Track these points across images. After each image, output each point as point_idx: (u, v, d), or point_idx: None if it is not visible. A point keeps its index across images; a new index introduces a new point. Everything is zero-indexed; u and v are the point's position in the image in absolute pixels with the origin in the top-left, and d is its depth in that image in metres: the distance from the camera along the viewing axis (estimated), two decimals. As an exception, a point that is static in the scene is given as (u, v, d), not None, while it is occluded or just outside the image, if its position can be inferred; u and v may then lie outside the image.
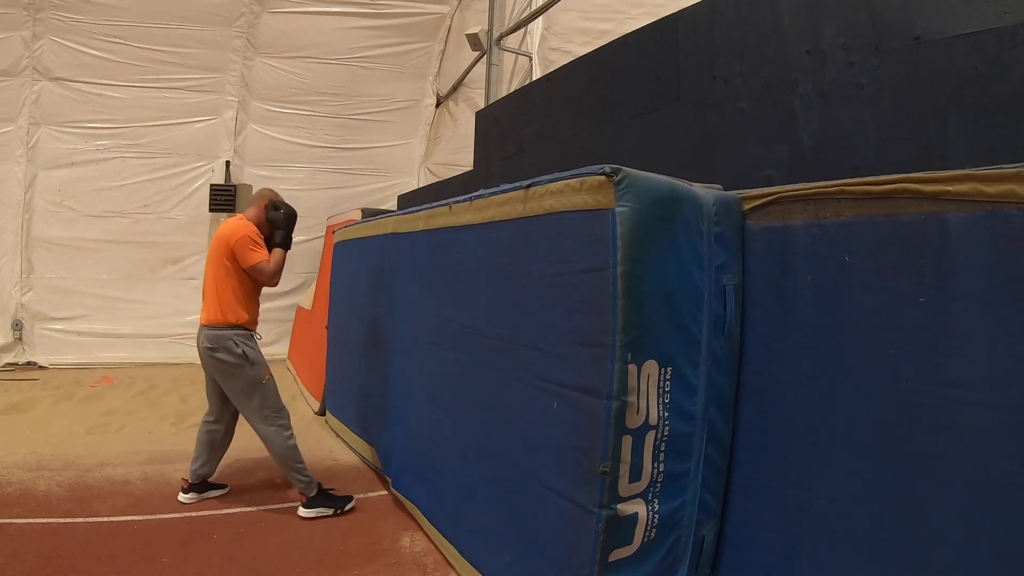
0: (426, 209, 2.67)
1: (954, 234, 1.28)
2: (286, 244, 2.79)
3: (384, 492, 3.08)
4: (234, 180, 6.57)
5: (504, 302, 2.00)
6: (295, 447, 2.72)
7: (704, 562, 1.76)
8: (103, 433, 3.89)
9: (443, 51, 7.04)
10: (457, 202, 2.34)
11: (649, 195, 1.55)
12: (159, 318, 6.29)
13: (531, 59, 5.48)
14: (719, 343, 1.72)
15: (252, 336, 2.70)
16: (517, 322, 1.91)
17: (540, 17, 5.13)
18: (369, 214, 4.45)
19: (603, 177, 1.51)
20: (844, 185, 1.52)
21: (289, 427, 2.73)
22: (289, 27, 6.37)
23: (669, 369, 1.58)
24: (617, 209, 1.50)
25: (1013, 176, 1.19)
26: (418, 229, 2.74)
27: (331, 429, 4.17)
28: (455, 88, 6.83)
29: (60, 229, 6.07)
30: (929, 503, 1.30)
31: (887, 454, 1.38)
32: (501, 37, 5.45)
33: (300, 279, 7.00)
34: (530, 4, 5.20)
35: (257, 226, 2.70)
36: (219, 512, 2.72)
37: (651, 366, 1.54)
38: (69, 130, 6.02)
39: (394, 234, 3.10)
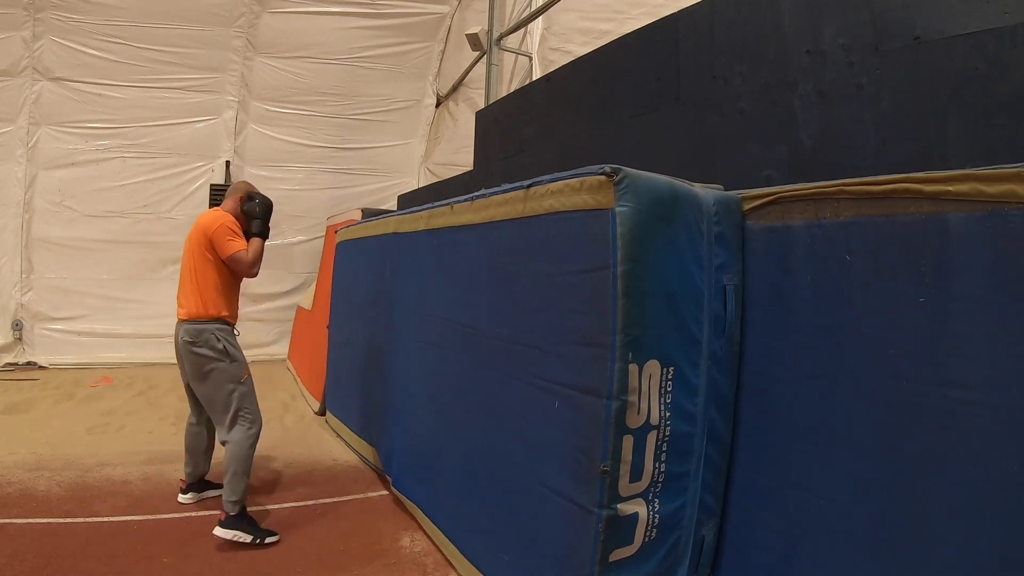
0: (427, 209, 2.67)
1: (954, 234, 1.29)
2: (263, 233, 2.71)
3: (384, 492, 3.08)
4: (234, 180, 6.57)
5: (504, 302, 2.00)
6: (251, 458, 2.53)
7: (704, 562, 1.76)
8: (103, 433, 3.89)
9: (443, 51, 7.04)
10: (458, 202, 2.35)
11: (649, 195, 1.55)
12: (159, 318, 6.26)
13: (531, 59, 5.48)
14: (719, 343, 1.72)
15: (233, 331, 2.63)
16: (517, 322, 1.91)
17: (540, 17, 5.13)
18: (369, 214, 4.45)
19: (603, 177, 1.51)
20: (844, 185, 1.52)
21: (257, 437, 2.57)
22: (289, 27, 6.37)
23: (671, 369, 1.59)
24: (617, 209, 1.50)
25: (1013, 176, 1.19)
26: (419, 229, 2.74)
27: (331, 429, 4.17)
28: (455, 88, 6.83)
29: (60, 229, 6.06)
30: (929, 503, 1.30)
31: (887, 454, 1.38)
32: (501, 37, 5.45)
33: (300, 279, 7.01)
34: (530, 4, 5.21)
35: (235, 218, 2.64)
36: (219, 512, 2.72)
37: (653, 366, 1.54)
38: (69, 130, 6.02)
39: (395, 234, 3.10)
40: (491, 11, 5.51)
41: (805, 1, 1.93)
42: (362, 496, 3.00)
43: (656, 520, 1.60)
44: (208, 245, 2.52)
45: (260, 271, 2.65)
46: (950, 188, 1.29)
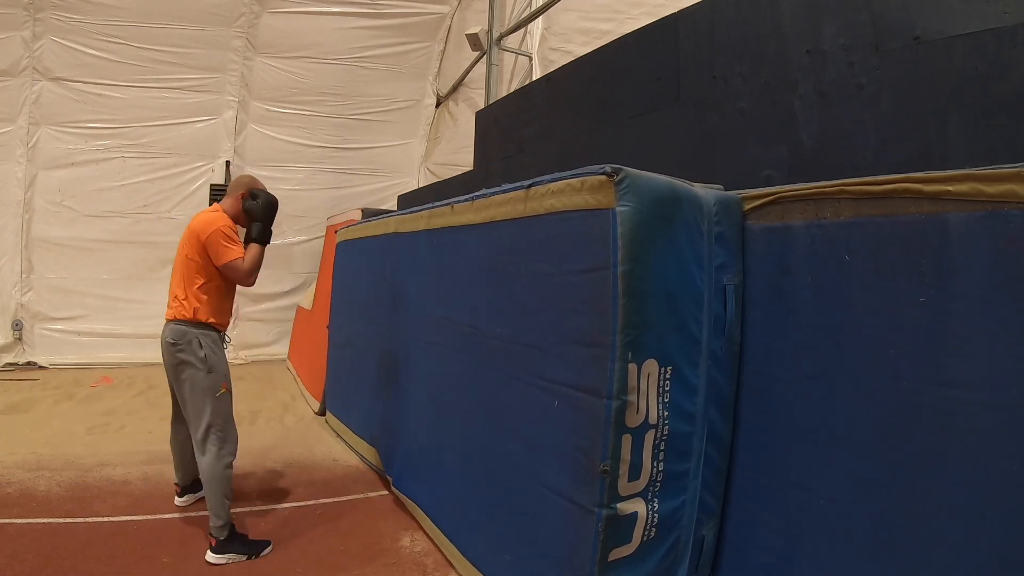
0: (427, 209, 2.67)
1: (954, 234, 1.29)
2: (263, 238, 2.51)
3: (384, 492, 3.08)
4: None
5: (505, 301, 2.00)
6: (230, 478, 2.39)
7: (704, 562, 1.76)
8: (103, 433, 3.88)
9: (443, 51, 7.04)
10: (459, 202, 2.35)
11: (650, 195, 1.55)
12: (159, 318, 6.18)
13: (531, 59, 5.48)
14: (719, 343, 1.72)
15: (220, 339, 2.48)
16: (518, 321, 1.91)
17: (540, 17, 5.13)
18: (369, 214, 4.45)
19: (604, 177, 1.51)
20: (844, 185, 1.52)
21: (232, 454, 2.42)
22: (289, 27, 6.37)
23: (669, 369, 1.59)
24: (618, 209, 1.50)
25: (1013, 176, 1.19)
26: (419, 229, 2.74)
27: (331, 429, 4.17)
28: (455, 88, 6.83)
29: (60, 229, 6.06)
30: (929, 503, 1.30)
31: (887, 454, 1.39)
32: (501, 37, 5.45)
33: (300, 279, 7.01)
34: (530, 4, 5.21)
35: (234, 217, 2.48)
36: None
37: (651, 365, 1.54)
38: (69, 130, 6.02)
39: (395, 234, 3.10)
40: (491, 11, 5.51)
41: (805, 1, 1.93)
42: (362, 496, 3.00)
43: (655, 519, 1.60)
44: (200, 249, 2.37)
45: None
46: (950, 188, 1.29)
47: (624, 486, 1.53)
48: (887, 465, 1.38)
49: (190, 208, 6.39)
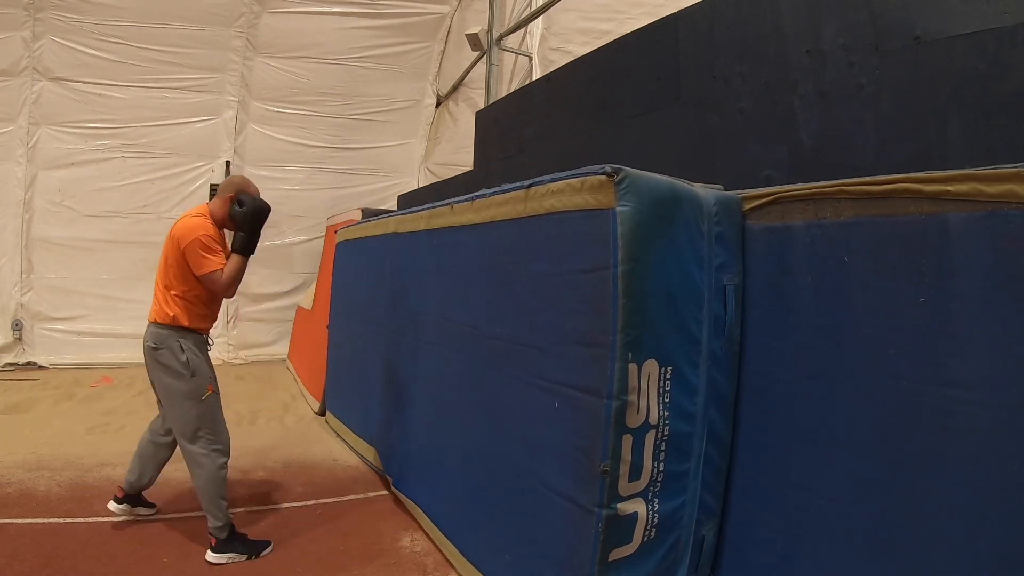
0: (427, 209, 2.67)
1: (954, 234, 1.29)
2: (247, 249, 2.37)
3: (384, 492, 3.08)
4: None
5: (505, 301, 2.00)
6: (224, 479, 2.34)
7: (704, 562, 1.76)
8: (103, 433, 3.88)
9: (443, 51, 7.04)
10: (459, 202, 2.35)
11: (650, 195, 1.55)
12: (159, 318, 6.29)
13: (531, 59, 5.48)
14: (719, 343, 1.72)
15: (203, 342, 2.40)
16: (518, 322, 1.91)
17: (540, 17, 5.13)
18: (369, 214, 4.45)
19: (604, 177, 1.51)
20: (844, 185, 1.52)
21: (225, 454, 2.37)
22: (289, 27, 6.37)
23: (669, 369, 1.59)
24: (618, 209, 1.50)
25: (1013, 176, 1.19)
26: (419, 229, 2.74)
27: (331, 429, 4.17)
28: (455, 88, 6.83)
29: (60, 229, 6.07)
30: (929, 503, 1.30)
31: (887, 454, 1.39)
32: (501, 37, 5.45)
33: (300, 279, 7.01)
34: (530, 4, 5.21)
35: (221, 220, 2.38)
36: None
37: (651, 365, 1.54)
38: (69, 130, 6.02)
39: (395, 234, 3.10)
40: (491, 11, 5.51)
41: (805, 1, 1.94)
42: (362, 496, 3.00)
43: (655, 519, 1.60)
44: (180, 256, 2.28)
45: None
46: (950, 188, 1.29)
47: (624, 486, 1.53)
48: (887, 465, 1.38)
49: (190, 208, 6.40)
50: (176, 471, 3.05)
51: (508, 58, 5.70)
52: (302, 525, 2.65)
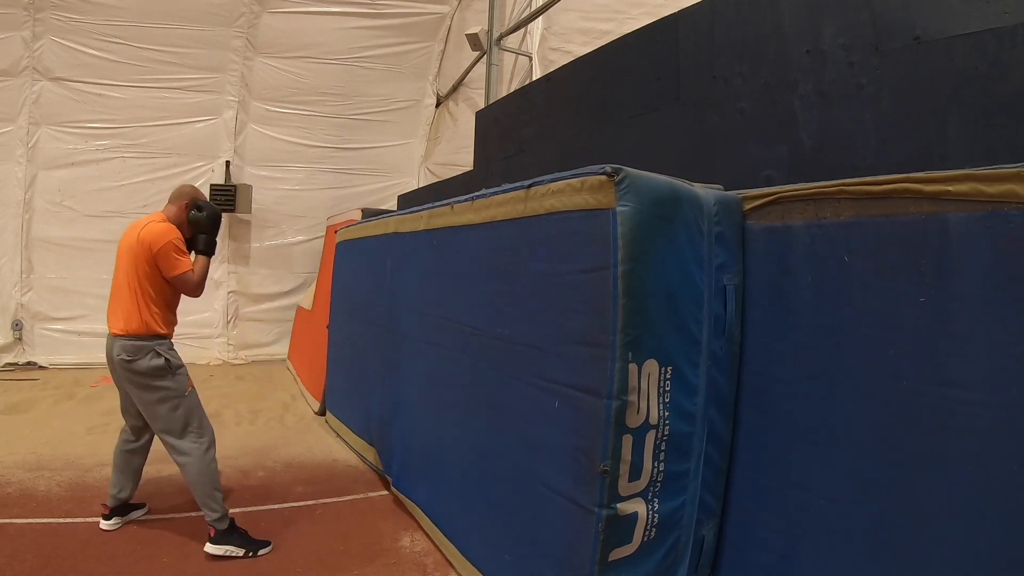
0: (427, 209, 2.67)
1: (954, 234, 1.29)
2: (209, 250, 2.53)
3: (384, 492, 3.08)
4: (234, 180, 6.57)
5: (505, 301, 2.00)
6: (216, 470, 2.40)
7: (704, 562, 1.76)
8: (103, 433, 3.88)
9: (443, 51, 7.04)
10: (459, 202, 2.35)
11: (650, 195, 1.55)
12: (159, 318, 6.28)
13: (531, 59, 5.48)
14: (719, 343, 1.72)
15: (172, 345, 2.45)
16: (518, 322, 1.91)
17: (540, 17, 5.13)
18: (369, 214, 4.45)
19: (604, 177, 1.51)
20: (844, 185, 1.52)
21: (212, 444, 2.42)
22: (289, 27, 6.37)
23: (669, 369, 1.59)
24: (618, 209, 1.50)
25: (1013, 176, 1.19)
26: (419, 229, 2.74)
27: (331, 429, 4.17)
28: (455, 88, 6.83)
29: (60, 229, 6.06)
30: (929, 503, 1.30)
31: (887, 454, 1.39)
32: (501, 37, 5.45)
33: (300, 279, 7.01)
34: (530, 4, 5.21)
35: (178, 226, 2.45)
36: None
37: (651, 365, 1.54)
38: (69, 130, 6.02)
39: (395, 234, 3.10)
40: (491, 11, 5.51)
41: (805, 1, 1.94)
42: (362, 496, 3.00)
43: (655, 519, 1.60)
44: (151, 261, 2.32)
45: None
46: (950, 188, 1.29)
47: (624, 486, 1.53)
48: (887, 465, 1.39)
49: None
50: (176, 471, 3.05)
51: (508, 58, 5.70)
52: (302, 525, 2.65)
